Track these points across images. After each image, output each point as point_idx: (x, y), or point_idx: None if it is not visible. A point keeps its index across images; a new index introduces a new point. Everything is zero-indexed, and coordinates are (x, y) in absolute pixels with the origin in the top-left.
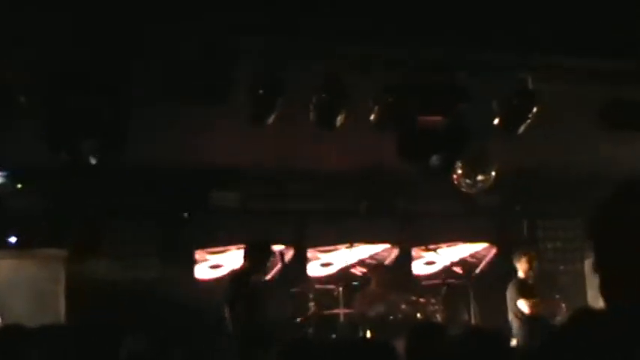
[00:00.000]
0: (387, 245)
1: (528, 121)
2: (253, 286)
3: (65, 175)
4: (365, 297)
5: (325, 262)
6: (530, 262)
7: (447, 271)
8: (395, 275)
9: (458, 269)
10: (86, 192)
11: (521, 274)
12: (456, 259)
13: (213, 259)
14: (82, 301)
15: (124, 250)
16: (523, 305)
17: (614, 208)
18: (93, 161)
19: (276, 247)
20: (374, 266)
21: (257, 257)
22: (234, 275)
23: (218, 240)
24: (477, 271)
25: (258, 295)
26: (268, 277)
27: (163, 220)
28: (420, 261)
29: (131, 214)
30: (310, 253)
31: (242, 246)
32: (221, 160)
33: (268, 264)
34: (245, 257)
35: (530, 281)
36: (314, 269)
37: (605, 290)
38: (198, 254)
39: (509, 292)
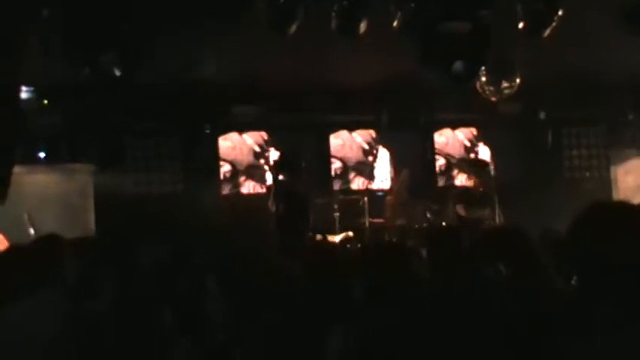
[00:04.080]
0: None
1: (553, 25)
2: (295, 196)
3: (90, 90)
4: (390, 207)
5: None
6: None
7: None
8: (420, 185)
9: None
10: (111, 107)
11: (470, 183)
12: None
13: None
14: (110, 215)
15: (148, 164)
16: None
17: None
18: (117, 73)
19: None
20: (399, 177)
21: (291, 168)
22: (270, 190)
23: None
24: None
25: (303, 204)
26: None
27: (186, 134)
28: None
29: (154, 129)
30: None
31: None
32: (242, 73)
33: (302, 174)
34: (278, 170)
35: (476, 192)
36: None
37: None
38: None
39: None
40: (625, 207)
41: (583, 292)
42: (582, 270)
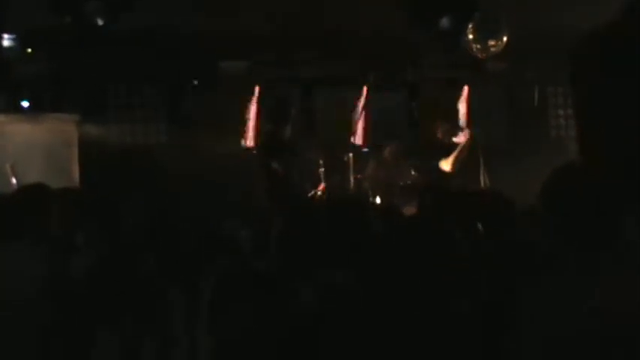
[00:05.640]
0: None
1: None
2: (283, 145)
3: (75, 39)
4: (375, 164)
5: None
6: (451, 123)
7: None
8: (405, 143)
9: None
10: (96, 56)
11: (438, 134)
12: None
13: None
14: (94, 165)
15: (133, 115)
16: (445, 165)
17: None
18: (100, 22)
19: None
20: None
21: (280, 116)
22: (263, 138)
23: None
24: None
25: (289, 153)
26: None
27: (173, 86)
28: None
29: (140, 80)
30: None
31: None
32: (229, 26)
33: (290, 121)
34: (268, 119)
35: (446, 141)
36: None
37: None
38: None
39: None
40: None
41: (556, 249)
42: (555, 227)
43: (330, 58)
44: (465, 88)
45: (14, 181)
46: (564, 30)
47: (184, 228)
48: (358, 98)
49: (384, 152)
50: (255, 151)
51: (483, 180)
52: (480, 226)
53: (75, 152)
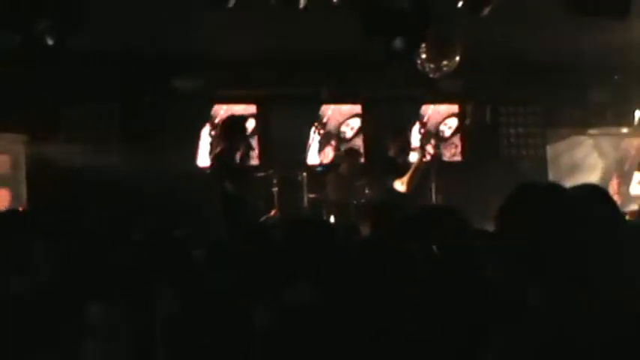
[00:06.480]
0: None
1: (492, 3)
2: (238, 164)
3: (24, 57)
4: (330, 182)
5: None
6: (403, 142)
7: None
8: (361, 161)
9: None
10: (46, 75)
11: (391, 153)
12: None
13: None
14: (44, 186)
15: (84, 135)
16: (399, 185)
17: None
18: (50, 42)
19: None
20: (343, 152)
21: (235, 135)
22: (217, 157)
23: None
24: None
25: (245, 172)
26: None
27: (125, 105)
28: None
29: (92, 98)
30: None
31: None
32: (184, 45)
33: (247, 141)
34: (222, 137)
35: (400, 160)
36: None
37: None
38: None
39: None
40: (553, 188)
41: (511, 275)
42: (510, 253)
43: (285, 77)
44: (420, 108)
45: None
46: (517, 50)
47: (137, 248)
48: (314, 117)
49: (339, 170)
50: (208, 171)
51: (435, 199)
52: (435, 247)
53: (22, 173)
